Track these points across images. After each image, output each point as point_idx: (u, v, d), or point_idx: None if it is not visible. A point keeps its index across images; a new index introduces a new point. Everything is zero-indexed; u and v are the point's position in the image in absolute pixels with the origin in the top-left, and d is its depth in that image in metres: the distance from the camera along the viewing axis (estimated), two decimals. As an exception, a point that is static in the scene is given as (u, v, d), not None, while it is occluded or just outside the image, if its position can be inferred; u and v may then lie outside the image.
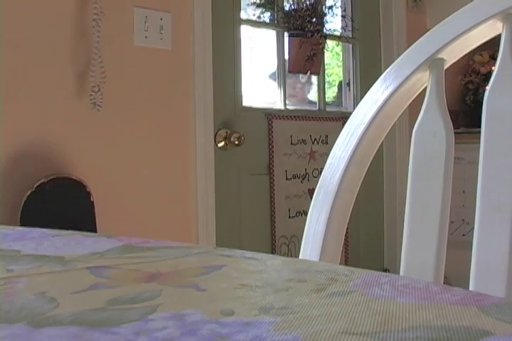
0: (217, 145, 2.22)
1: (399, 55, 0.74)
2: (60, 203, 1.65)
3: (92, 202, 1.72)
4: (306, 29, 2.46)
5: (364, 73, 2.85)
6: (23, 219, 1.57)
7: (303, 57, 2.46)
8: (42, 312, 0.29)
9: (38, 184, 1.60)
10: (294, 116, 2.54)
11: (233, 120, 2.31)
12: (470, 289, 0.64)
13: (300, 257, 0.73)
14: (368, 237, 2.86)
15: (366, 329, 0.26)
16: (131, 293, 0.33)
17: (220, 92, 2.21)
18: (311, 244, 0.73)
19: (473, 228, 0.65)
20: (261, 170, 2.41)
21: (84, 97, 1.79)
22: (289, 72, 2.52)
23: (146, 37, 1.96)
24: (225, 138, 2.24)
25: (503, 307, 0.30)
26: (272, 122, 2.43)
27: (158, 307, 0.30)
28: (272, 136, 2.43)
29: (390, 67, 0.74)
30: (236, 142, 2.24)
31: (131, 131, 1.92)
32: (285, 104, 2.55)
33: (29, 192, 1.59)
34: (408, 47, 0.73)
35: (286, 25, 2.47)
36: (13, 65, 1.67)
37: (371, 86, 0.75)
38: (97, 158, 1.84)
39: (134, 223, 1.92)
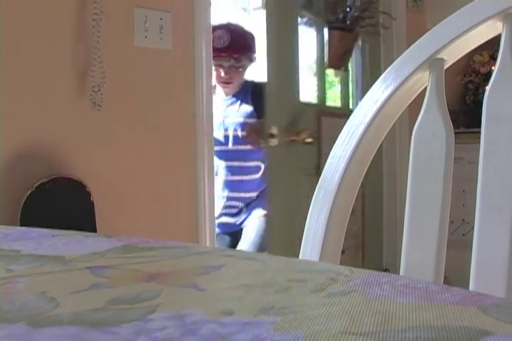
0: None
1: (399, 55, 0.74)
2: (60, 203, 1.65)
3: (92, 202, 1.72)
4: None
5: (364, 73, 2.85)
6: (23, 219, 1.57)
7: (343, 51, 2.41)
8: (42, 312, 0.29)
9: (38, 184, 1.60)
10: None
11: (233, 120, 2.31)
12: (470, 289, 0.64)
13: (300, 257, 0.73)
14: (368, 237, 2.86)
15: (366, 329, 0.26)
16: (131, 293, 0.33)
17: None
18: (311, 244, 0.73)
19: (473, 228, 0.65)
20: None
21: (84, 97, 1.79)
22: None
23: (146, 37, 1.96)
24: (225, 138, 2.25)
25: (503, 307, 0.30)
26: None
27: (158, 307, 0.30)
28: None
29: (390, 67, 0.74)
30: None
31: (131, 131, 1.92)
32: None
33: (29, 192, 1.59)
34: (408, 47, 0.73)
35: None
36: (13, 65, 1.66)
37: (371, 86, 0.75)
38: (97, 158, 1.84)
39: (134, 223, 1.92)
